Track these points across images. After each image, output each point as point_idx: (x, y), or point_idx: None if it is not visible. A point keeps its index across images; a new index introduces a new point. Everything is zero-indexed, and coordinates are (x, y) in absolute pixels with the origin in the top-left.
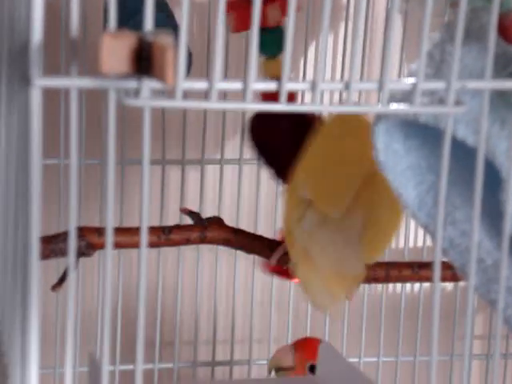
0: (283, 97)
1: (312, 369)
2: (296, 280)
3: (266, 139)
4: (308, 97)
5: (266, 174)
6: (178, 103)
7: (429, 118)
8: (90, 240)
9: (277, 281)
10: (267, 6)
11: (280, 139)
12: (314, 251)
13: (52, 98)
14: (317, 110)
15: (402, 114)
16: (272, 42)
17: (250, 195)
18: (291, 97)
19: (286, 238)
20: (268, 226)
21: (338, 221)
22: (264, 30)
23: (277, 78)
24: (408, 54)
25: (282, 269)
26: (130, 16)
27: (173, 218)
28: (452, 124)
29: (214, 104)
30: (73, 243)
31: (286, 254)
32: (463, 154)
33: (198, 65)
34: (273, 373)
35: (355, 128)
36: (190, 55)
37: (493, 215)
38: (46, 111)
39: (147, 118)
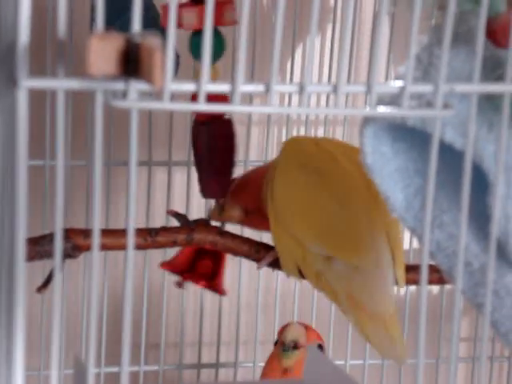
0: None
1: (320, 347)
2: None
3: (194, 145)
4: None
5: None
6: (166, 105)
7: (416, 122)
8: (76, 242)
9: (263, 283)
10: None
11: (199, 148)
12: (357, 293)
13: (38, 99)
14: (305, 113)
15: (390, 117)
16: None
17: None
18: (221, 98)
19: (310, 279)
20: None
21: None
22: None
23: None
24: (395, 56)
25: (180, 273)
26: (117, 15)
27: (159, 219)
28: (440, 127)
29: (202, 106)
30: (59, 245)
31: (276, 260)
32: (451, 157)
33: (185, 66)
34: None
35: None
36: (177, 57)
37: (480, 219)
38: (31, 112)
39: (134, 120)
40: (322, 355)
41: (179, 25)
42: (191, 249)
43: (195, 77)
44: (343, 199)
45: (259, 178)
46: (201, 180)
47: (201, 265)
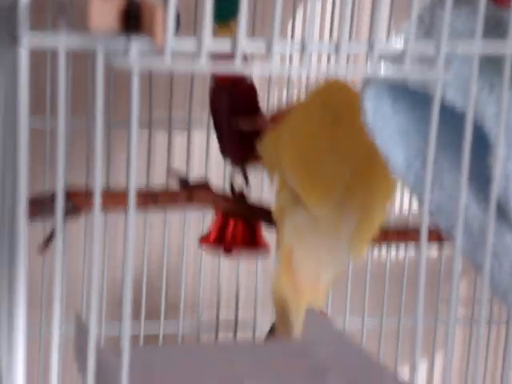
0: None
1: None
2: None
3: (215, 110)
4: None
5: None
6: (167, 63)
7: (417, 83)
8: (77, 202)
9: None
10: None
11: (221, 111)
12: (298, 254)
13: (38, 59)
14: (306, 73)
15: (391, 78)
16: (222, 8)
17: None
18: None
19: (276, 227)
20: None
21: (328, 220)
22: None
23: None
24: (396, 19)
25: (219, 245)
26: None
27: (159, 180)
28: (441, 88)
29: (203, 65)
30: (60, 204)
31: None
32: (452, 118)
33: (185, 26)
34: None
35: (346, 106)
36: (177, 16)
37: (480, 180)
38: (31, 73)
39: (135, 79)
40: (322, 317)
41: None
42: (221, 220)
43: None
44: (340, 152)
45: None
46: (223, 145)
47: (235, 232)
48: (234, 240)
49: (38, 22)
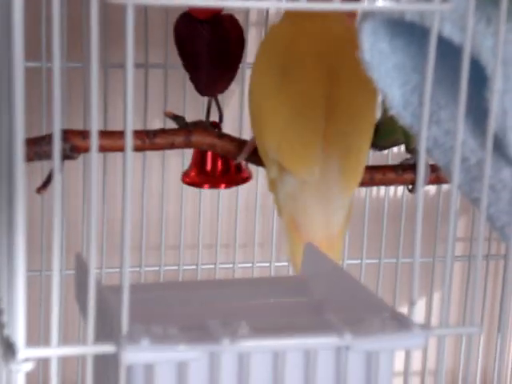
0: None
1: None
2: (222, 186)
3: (187, 43)
4: None
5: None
6: (162, 0)
7: (415, 16)
8: (74, 143)
9: (261, 185)
10: None
11: (196, 45)
12: (299, 217)
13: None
14: (302, 8)
15: (388, 12)
16: None
17: (234, 99)
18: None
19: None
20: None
21: (317, 176)
22: None
23: None
24: None
25: (202, 181)
26: None
27: (157, 122)
28: (438, 22)
29: (199, 1)
30: (58, 145)
31: (255, 151)
32: (449, 53)
33: None
34: None
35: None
36: None
37: (477, 114)
38: (26, 13)
39: (130, 16)
40: (320, 252)
41: None
42: (199, 155)
43: None
44: (301, 105)
45: None
46: (199, 79)
47: (214, 167)
48: (214, 171)
49: None
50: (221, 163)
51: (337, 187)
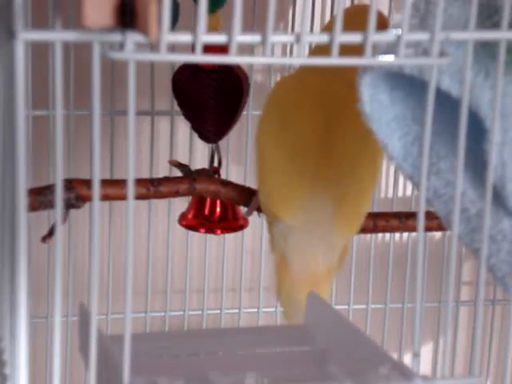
0: (268, 50)
1: None
2: (217, 232)
3: (191, 93)
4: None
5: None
6: (163, 56)
7: (413, 70)
8: (80, 192)
9: (267, 230)
10: None
11: (203, 96)
12: (288, 254)
13: (41, 49)
14: (301, 63)
15: (387, 66)
16: None
17: (240, 146)
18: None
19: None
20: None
21: (309, 220)
22: None
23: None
24: (396, 4)
25: (198, 224)
26: None
27: (163, 169)
28: (436, 75)
29: (199, 57)
30: (60, 195)
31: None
32: (448, 104)
33: (185, 17)
34: None
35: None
36: (176, 6)
37: (477, 165)
38: (35, 63)
39: (132, 71)
40: (323, 301)
41: None
42: (197, 200)
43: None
44: (295, 151)
45: None
46: (204, 127)
47: (211, 212)
48: (211, 216)
49: (39, 12)
50: (219, 209)
51: (328, 230)
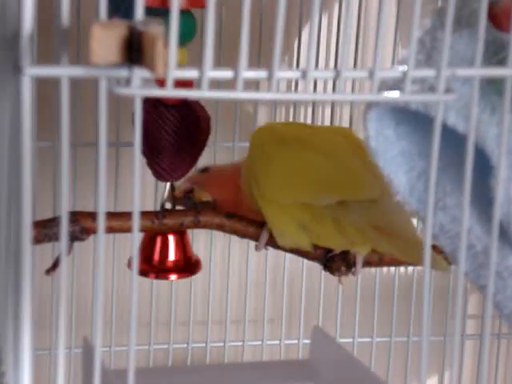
0: (274, 86)
1: None
2: (173, 277)
3: (149, 128)
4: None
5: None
6: (169, 92)
7: (419, 106)
8: (84, 224)
9: (271, 262)
10: None
11: (160, 129)
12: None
13: (47, 80)
14: (306, 99)
15: (393, 102)
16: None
17: None
18: (187, 84)
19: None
20: None
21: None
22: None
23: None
24: (402, 39)
25: (145, 269)
26: (122, 1)
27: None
28: (443, 111)
29: (205, 93)
30: (65, 228)
31: (271, 236)
32: (454, 140)
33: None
34: None
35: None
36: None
37: (483, 201)
38: (41, 94)
39: (138, 107)
40: (327, 336)
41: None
42: (148, 239)
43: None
44: (327, 152)
45: (235, 172)
46: (159, 164)
47: (164, 252)
48: (163, 262)
49: (45, 47)
50: (173, 252)
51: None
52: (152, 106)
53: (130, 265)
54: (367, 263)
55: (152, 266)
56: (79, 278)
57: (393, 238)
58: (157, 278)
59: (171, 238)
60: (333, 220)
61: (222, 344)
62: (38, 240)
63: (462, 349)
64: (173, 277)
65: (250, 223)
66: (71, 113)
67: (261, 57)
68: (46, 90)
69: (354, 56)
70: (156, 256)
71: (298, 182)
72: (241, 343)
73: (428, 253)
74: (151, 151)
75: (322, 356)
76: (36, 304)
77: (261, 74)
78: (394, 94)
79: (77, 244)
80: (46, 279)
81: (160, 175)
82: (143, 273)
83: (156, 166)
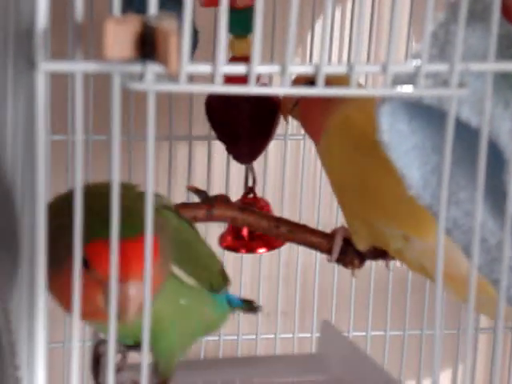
0: (286, 79)
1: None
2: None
3: (223, 117)
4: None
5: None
6: (183, 87)
7: (433, 100)
8: None
9: (284, 255)
10: None
11: (238, 119)
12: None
13: (62, 74)
14: (320, 94)
15: (406, 96)
16: (240, 21)
17: (258, 171)
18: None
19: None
20: (274, 204)
21: None
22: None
23: (246, 57)
24: (416, 32)
25: (237, 244)
26: None
27: (180, 195)
28: (456, 105)
29: (218, 88)
30: (78, 221)
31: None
32: (468, 134)
33: (204, 44)
34: None
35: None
36: (195, 33)
37: (496, 195)
38: (56, 87)
39: (152, 102)
40: (336, 330)
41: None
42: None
43: (231, 48)
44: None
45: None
46: (239, 148)
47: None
48: (250, 237)
49: (59, 42)
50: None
51: None
52: (226, 97)
53: (221, 242)
54: (381, 256)
55: (242, 241)
56: None
57: (456, 282)
58: (247, 252)
59: None
60: (395, 250)
61: (235, 337)
62: None
63: (476, 342)
64: (261, 250)
65: (262, 217)
66: (85, 105)
67: (274, 46)
68: (59, 82)
69: (368, 50)
70: (245, 232)
71: (368, 201)
72: (254, 337)
73: (441, 247)
74: (229, 138)
75: (330, 350)
76: (49, 297)
77: (274, 68)
78: (407, 89)
79: None
80: None
81: (241, 159)
82: (234, 248)
83: (235, 150)
